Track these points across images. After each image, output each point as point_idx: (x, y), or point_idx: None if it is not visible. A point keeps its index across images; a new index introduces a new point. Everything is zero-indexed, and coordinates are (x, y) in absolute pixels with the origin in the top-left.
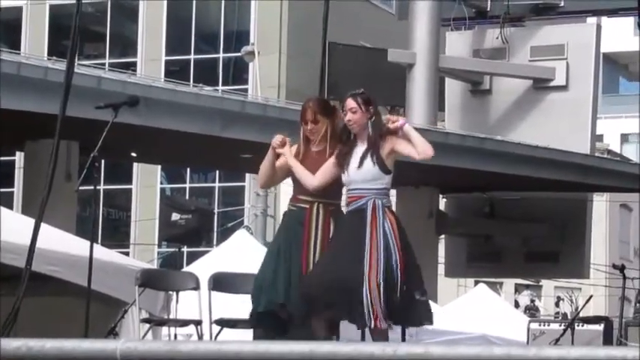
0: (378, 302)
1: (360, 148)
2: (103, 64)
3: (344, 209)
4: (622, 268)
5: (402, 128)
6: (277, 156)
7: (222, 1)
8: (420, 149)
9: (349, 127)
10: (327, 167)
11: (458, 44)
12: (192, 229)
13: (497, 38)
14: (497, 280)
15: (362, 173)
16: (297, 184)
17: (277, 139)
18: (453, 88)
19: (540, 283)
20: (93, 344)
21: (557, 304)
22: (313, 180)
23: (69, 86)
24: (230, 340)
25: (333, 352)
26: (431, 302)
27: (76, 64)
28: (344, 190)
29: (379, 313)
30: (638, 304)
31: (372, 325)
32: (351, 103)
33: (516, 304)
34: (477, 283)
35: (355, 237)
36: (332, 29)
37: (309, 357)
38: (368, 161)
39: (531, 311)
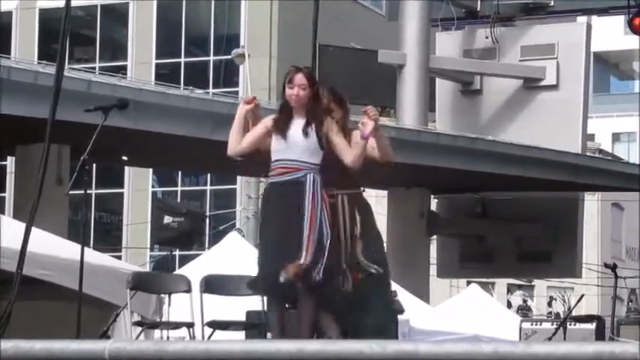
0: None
1: (300, 121)
2: (94, 68)
3: (273, 179)
4: (614, 268)
5: (367, 138)
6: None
7: (212, 4)
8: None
9: (291, 101)
10: (255, 135)
11: (448, 44)
12: (184, 232)
13: (487, 38)
14: (489, 280)
15: (305, 143)
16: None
17: (246, 98)
18: (444, 88)
19: (533, 283)
20: (81, 345)
21: (549, 304)
22: (238, 147)
23: (58, 90)
24: (217, 339)
25: (321, 350)
26: (423, 302)
27: (66, 67)
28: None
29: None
30: (630, 303)
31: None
32: (302, 79)
33: (509, 305)
34: (469, 283)
35: (292, 215)
36: (322, 31)
37: (297, 356)
38: (310, 133)
39: (524, 311)
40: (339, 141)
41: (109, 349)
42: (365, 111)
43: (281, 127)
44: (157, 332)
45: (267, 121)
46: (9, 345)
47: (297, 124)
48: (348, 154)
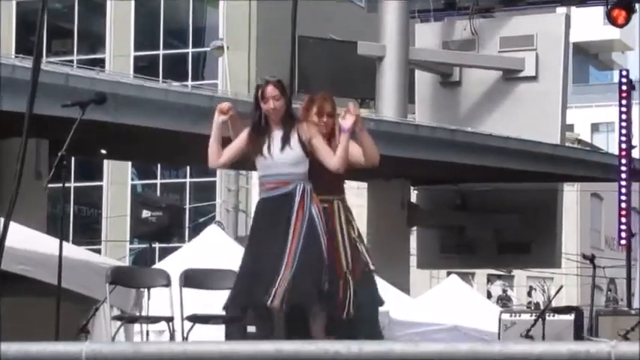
0: (283, 286)
1: (279, 133)
2: (71, 61)
3: (264, 195)
4: (592, 259)
5: (348, 131)
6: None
7: None
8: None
9: (270, 115)
10: (233, 149)
11: (427, 36)
12: (162, 226)
13: (465, 29)
14: (469, 270)
15: (288, 156)
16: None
17: (220, 106)
18: (423, 80)
19: (512, 274)
20: (58, 347)
21: (529, 294)
22: (218, 160)
23: (35, 84)
24: (194, 341)
25: (299, 350)
26: (403, 294)
27: (43, 61)
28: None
29: (278, 293)
30: (609, 293)
31: (269, 302)
32: (273, 90)
33: (489, 295)
34: (449, 274)
35: (279, 228)
36: (301, 23)
37: (276, 356)
38: (293, 143)
39: (504, 301)
40: (321, 146)
41: (85, 351)
42: (347, 108)
43: (260, 147)
44: (136, 326)
45: (244, 135)
46: None
47: (277, 137)
48: (331, 159)
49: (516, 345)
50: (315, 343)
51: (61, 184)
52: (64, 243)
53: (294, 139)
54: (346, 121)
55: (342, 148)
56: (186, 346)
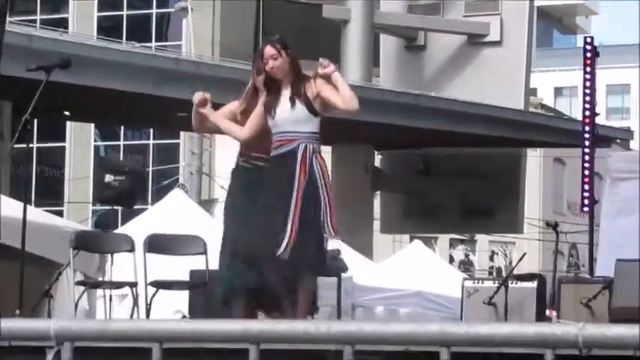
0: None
1: (287, 92)
2: (34, 21)
3: (272, 153)
4: (555, 226)
5: (331, 75)
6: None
7: None
8: (346, 99)
9: (272, 75)
10: (254, 118)
11: (393, 0)
12: (125, 191)
13: None
14: (432, 235)
15: (293, 114)
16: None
17: (197, 97)
18: (388, 43)
19: (475, 238)
20: (26, 324)
21: (491, 259)
22: (240, 132)
23: (1, 45)
24: (163, 319)
25: (267, 330)
26: (366, 259)
27: (7, 21)
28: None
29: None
30: (570, 258)
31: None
32: (270, 50)
33: (451, 259)
34: (412, 238)
35: (283, 188)
36: None
37: (243, 335)
38: (297, 103)
39: (466, 266)
40: (329, 93)
41: (54, 328)
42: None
43: (270, 107)
44: (99, 290)
45: (232, 106)
46: None
47: (284, 96)
48: (342, 101)
49: (483, 326)
50: (284, 323)
51: (23, 145)
52: (28, 206)
53: (299, 98)
54: (327, 68)
55: (344, 86)
56: (154, 324)
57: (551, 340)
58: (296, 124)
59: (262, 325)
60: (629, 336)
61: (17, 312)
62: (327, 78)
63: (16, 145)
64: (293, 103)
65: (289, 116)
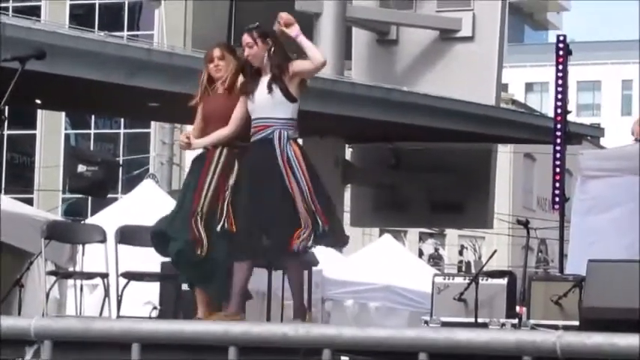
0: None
1: (265, 78)
2: (6, 8)
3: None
4: (526, 224)
5: (296, 39)
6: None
7: None
8: (314, 60)
9: (251, 62)
10: (237, 110)
11: None
12: (98, 181)
13: None
14: (401, 229)
15: (269, 99)
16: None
17: (182, 139)
18: (360, 37)
19: (444, 232)
20: (6, 322)
21: (460, 253)
22: (226, 130)
23: None
24: (144, 318)
25: (247, 332)
26: (336, 252)
27: None
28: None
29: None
30: (539, 254)
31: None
32: (246, 38)
33: (420, 253)
34: (382, 232)
35: (264, 173)
36: None
37: (223, 336)
38: (274, 88)
39: (435, 260)
40: (299, 64)
41: (34, 326)
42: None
43: (246, 90)
44: (70, 280)
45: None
46: None
47: (263, 82)
48: (307, 62)
49: (463, 332)
50: (262, 325)
51: None
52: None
53: (276, 83)
54: (292, 29)
55: (309, 46)
56: (137, 324)
57: (531, 347)
58: (272, 109)
59: (242, 326)
60: (606, 344)
61: None
62: (287, 32)
63: None
64: (270, 88)
65: (266, 102)
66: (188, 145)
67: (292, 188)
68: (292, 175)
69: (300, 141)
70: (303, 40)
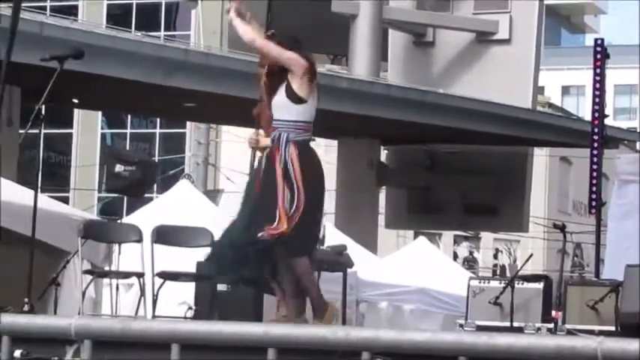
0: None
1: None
2: (44, 8)
3: None
4: (563, 228)
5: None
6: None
7: None
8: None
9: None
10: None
11: None
12: (135, 181)
13: None
14: (436, 231)
15: (277, 102)
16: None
17: (251, 144)
18: (397, 39)
19: (479, 235)
20: (46, 320)
21: (495, 257)
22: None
23: (14, 31)
24: (180, 318)
25: (287, 334)
26: (371, 253)
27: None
28: None
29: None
30: (575, 258)
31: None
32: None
33: (455, 256)
34: (416, 234)
35: (269, 177)
36: None
37: (263, 337)
38: (281, 91)
39: (470, 263)
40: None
41: (74, 325)
42: None
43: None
44: (105, 280)
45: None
46: None
47: (282, 86)
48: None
49: (502, 337)
50: (303, 327)
51: (34, 132)
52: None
53: (283, 85)
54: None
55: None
56: (174, 324)
57: (570, 353)
58: (279, 111)
59: (282, 328)
60: None
61: (25, 300)
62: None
63: (22, 131)
64: (280, 90)
65: (275, 104)
66: (256, 142)
67: (282, 191)
68: (284, 178)
69: (335, 142)
70: (238, 24)
